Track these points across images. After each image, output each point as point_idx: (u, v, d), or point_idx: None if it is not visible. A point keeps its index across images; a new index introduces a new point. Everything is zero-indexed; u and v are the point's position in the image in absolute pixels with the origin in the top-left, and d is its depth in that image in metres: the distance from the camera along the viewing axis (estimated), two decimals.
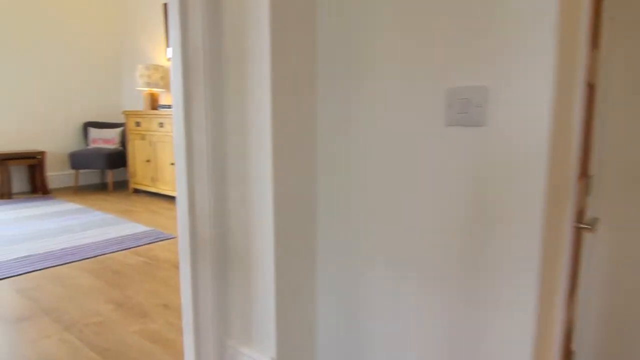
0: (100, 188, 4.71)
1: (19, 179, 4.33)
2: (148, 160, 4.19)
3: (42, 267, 2.33)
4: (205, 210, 1.24)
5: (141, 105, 4.94)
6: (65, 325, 1.71)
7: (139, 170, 4.34)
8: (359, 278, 1.18)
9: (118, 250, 2.63)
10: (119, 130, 4.73)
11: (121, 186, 4.81)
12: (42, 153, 4.24)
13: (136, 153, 4.33)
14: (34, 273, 2.26)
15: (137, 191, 4.49)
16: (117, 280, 2.17)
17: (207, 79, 1.19)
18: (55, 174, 4.62)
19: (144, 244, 2.76)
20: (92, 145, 4.69)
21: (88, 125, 4.79)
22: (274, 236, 1.15)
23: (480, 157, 0.89)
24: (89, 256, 2.52)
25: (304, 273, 1.28)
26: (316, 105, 1.20)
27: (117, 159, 4.50)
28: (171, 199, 4.16)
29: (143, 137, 4.21)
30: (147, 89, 4.41)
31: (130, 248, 2.68)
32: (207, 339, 1.30)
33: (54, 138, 4.60)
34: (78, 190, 4.56)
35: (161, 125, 4.01)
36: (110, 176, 4.51)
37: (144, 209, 3.73)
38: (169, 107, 4.16)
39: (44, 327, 1.70)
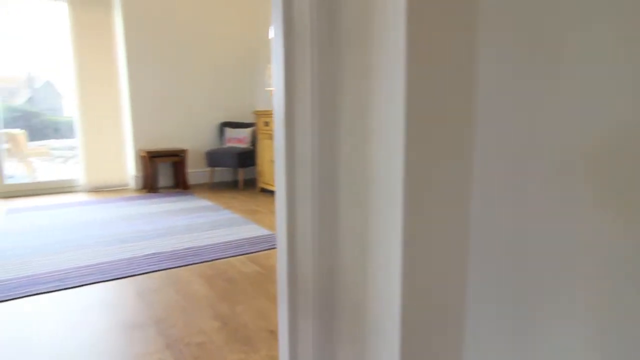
0: (232, 186, 4.88)
1: (164, 174, 4.74)
2: (272, 160, 4.15)
3: (165, 267, 2.33)
4: (308, 240, 0.91)
5: (271, 105, 4.99)
6: (168, 341, 1.58)
7: (266, 169, 4.34)
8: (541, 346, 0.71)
9: (236, 255, 2.52)
10: (250, 130, 4.83)
11: (251, 184, 4.92)
12: (184, 151, 4.54)
13: (264, 152, 4.35)
14: (157, 273, 2.27)
15: (264, 190, 4.52)
16: (229, 292, 2.02)
17: (314, 62, 0.85)
18: (195, 170, 4.94)
19: (262, 250, 2.62)
20: (226, 145, 4.89)
21: (224, 125, 5.02)
22: (402, 281, 0.76)
23: None
24: (207, 259, 2.46)
25: (445, 338, 0.86)
26: (476, 102, 0.77)
27: (247, 158, 4.59)
28: None
29: (271, 137, 4.18)
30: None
31: (248, 253, 2.56)
32: None
33: (194, 137, 4.92)
34: (212, 187, 4.79)
35: None
36: (241, 175, 4.63)
37: (268, 210, 3.67)
38: None
39: (149, 339, 1.59)
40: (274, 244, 2.72)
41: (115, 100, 4.50)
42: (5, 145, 6.27)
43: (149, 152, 4.34)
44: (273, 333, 1.64)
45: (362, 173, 0.81)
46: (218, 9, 4.90)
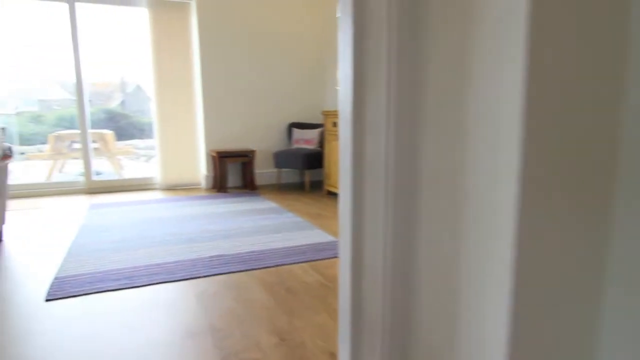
0: (298, 187, 4.81)
1: (233, 174, 4.80)
2: None
3: (227, 271, 2.27)
4: (378, 272, 0.73)
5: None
6: (222, 354, 1.48)
7: (333, 172, 4.20)
8: None
9: (298, 262, 2.40)
10: (318, 131, 4.73)
11: (317, 187, 4.82)
12: (252, 152, 4.56)
13: (331, 154, 4.21)
14: (218, 277, 2.21)
15: (330, 193, 4.38)
16: (289, 303, 1.89)
17: (392, 46, 0.67)
18: (263, 171, 4.95)
19: (326, 258, 2.47)
20: (294, 146, 4.84)
21: (292, 125, 4.97)
22: (510, 341, 0.55)
23: None
24: (269, 264, 2.36)
25: None
26: (627, 96, 0.54)
27: (314, 159, 4.49)
28: None
29: (337, 139, 4.03)
30: None
31: (310, 261, 2.43)
32: None
33: (263, 138, 4.93)
34: (279, 188, 4.76)
35: None
36: (307, 177, 4.54)
37: (333, 215, 3.53)
38: None
39: (204, 350, 1.51)
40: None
41: (190, 102, 4.65)
42: (95, 145, 6.83)
43: (218, 153, 4.41)
44: (333, 357, 1.47)
45: (451, 183, 0.61)
46: (289, 7, 4.87)
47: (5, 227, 3.12)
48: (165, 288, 2.08)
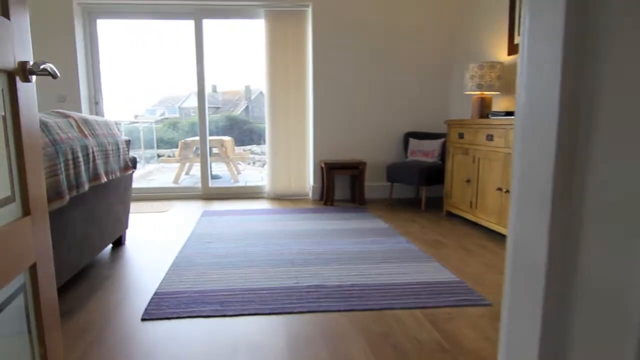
0: (412, 204, 4.31)
1: (341, 186, 4.51)
2: (468, 181, 3.41)
3: (324, 309, 1.95)
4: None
5: (468, 113, 4.21)
6: None
7: (456, 190, 3.63)
8: None
9: (409, 307, 1.97)
10: (440, 142, 4.18)
11: (435, 205, 4.26)
12: (363, 164, 4.22)
13: (455, 170, 3.64)
14: (314, 316, 1.90)
15: (450, 215, 3.81)
16: None
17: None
18: (373, 184, 4.57)
19: (446, 306, 1.99)
20: (409, 158, 4.36)
21: (409, 135, 4.50)
22: None
23: None
24: (374, 306, 1.97)
25: None
26: None
27: (433, 174, 3.96)
28: (492, 234, 3.23)
29: (466, 152, 3.46)
30: (477, 93, 3.62)
31: (425, 307, 1.97)
32: None
33: (375, 149, 4.56)
34: (390, 205, 4.33)
35: (489, 138, 3.13)
36: (424, 193, 4.02)
37: (454, 243, 2.98)
38: (504, 114, 3.22)
39: None
40: (463, 299, 2.05)
41: (302, 110, 4.51)
42: (215, 150, 7.23)
43: (327, 164, 4.17)
44: None
45: None
46: (408, 7, 4.42)
47: (128, 232, 3.29)
48: (256, 322, 1.84)
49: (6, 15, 0.83)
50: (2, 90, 0.82)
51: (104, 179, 2.13)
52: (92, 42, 4.26)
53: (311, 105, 4.47)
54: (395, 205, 4.28)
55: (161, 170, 8.15)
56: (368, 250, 2.81)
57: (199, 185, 4.69)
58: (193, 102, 6.92)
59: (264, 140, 4.57)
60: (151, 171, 8.09)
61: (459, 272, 2.41)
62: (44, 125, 1.85)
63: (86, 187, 2.03)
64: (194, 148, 6.31)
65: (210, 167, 7.45)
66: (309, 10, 4.33)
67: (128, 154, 2.72)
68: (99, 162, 2.03)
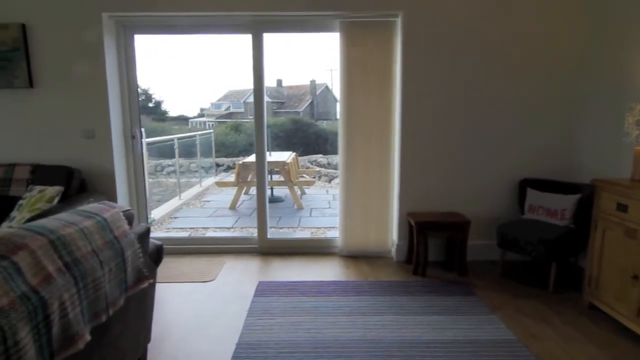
0: (535, 283, 3.20)
1: (432, 244, 3.54)
2: (635, 277, 2.32)
3: None
4: None
5: (628, 170, 2.84)
6: None
7: (609, 282, 2.55)
8: None
9: None
10: (574, 199, 3.08)
11: (569, 286, 3.13)
12: (465, 223, 3.23)
13: (607, 251, 2.56)
14: None
15: (594, 309, 2.72)
16: None
17: None
18: (476, 243, 3.55)
19: None
20: (527, 215, 3.30)
21: (526, 184, 3.42)
22: None
23: None
24: None
25: None
26: None
27: (566, 244, 2.90)
28: None
29: (631, 234, 2.36)
30: None
31: None
32: None
33: (476, 199, 3.54)
34: (503, 277, 3.30)
35: None
36: (554, 271, 2.96)
37: None
38: None
39: None
40: None
41: (385, 147, 3.59)
42: (277, 177, 6.48)
43: (417, 223, 3.24)
44: None
45: None
46: (530, 15, 3.31)
47: (155, 330, 2.63)
48: None
49: None
50: None
51: (88, 331, 1.34)
52: (128, 61, 3.58)
53: (397, 141, 3.55)
54: (508, 279, 3.25)
55: (217, 188, 7.57)
56: None
57: (255, 234, 3.93)
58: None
59: (333, 148, 3.69)
60: (207, 189, 7.49)
61: None
62: None
63: None
64: (253, 171, 5.62)
65: (272, 191, 6.76)
66: (398, 20, 3.38)
67: (147, 252, 1.91)
68: (77, 311, 1.30)
